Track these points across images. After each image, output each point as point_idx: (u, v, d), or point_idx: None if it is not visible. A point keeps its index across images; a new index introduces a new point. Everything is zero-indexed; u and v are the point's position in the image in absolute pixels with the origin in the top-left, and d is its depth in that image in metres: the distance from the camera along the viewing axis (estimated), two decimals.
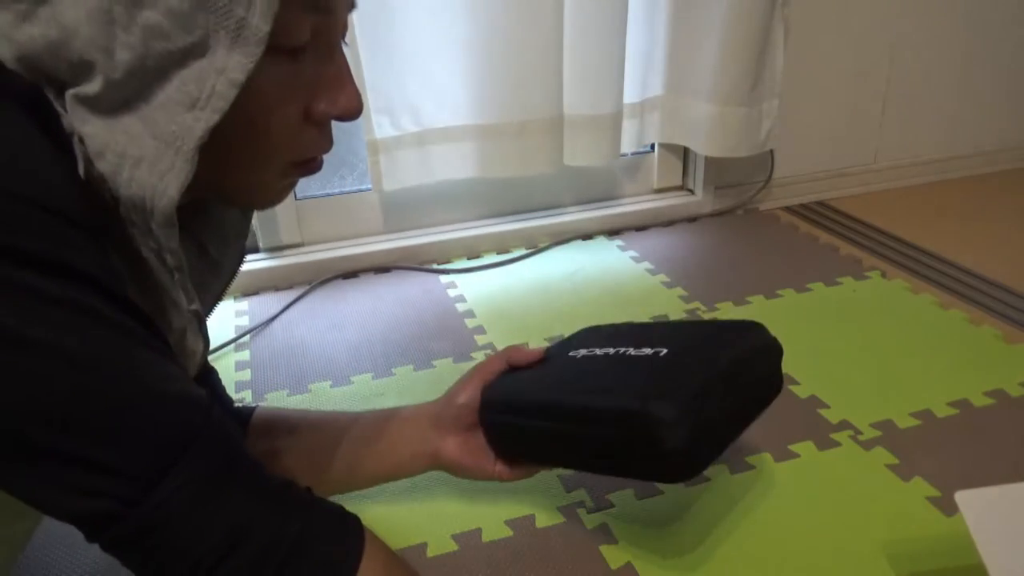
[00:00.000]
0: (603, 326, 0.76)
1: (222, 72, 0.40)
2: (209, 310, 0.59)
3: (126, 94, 0.40)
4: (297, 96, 0.45)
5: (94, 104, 0.40)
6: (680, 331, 0.67)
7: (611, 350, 0.66)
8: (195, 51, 0.39)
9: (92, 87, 0.40)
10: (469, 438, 0.68)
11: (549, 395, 0.63)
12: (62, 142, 0.40)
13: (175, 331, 0.48)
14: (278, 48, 0.42)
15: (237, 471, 0.44)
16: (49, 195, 0.37)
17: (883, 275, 1.23)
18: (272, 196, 0.51)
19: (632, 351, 0.64)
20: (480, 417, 0.68)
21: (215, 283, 0.59)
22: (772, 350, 0.65)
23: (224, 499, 0.43)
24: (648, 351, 0.63)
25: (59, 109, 0.41)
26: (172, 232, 0.42)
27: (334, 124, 0.50)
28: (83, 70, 0.40)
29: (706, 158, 1.45)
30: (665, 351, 0.62)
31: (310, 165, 0.50)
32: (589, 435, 0.59)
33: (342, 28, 0.48)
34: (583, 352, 0.68)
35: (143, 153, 0.40)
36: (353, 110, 0.47)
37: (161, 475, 0.41)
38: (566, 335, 0.77)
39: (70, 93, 0.40)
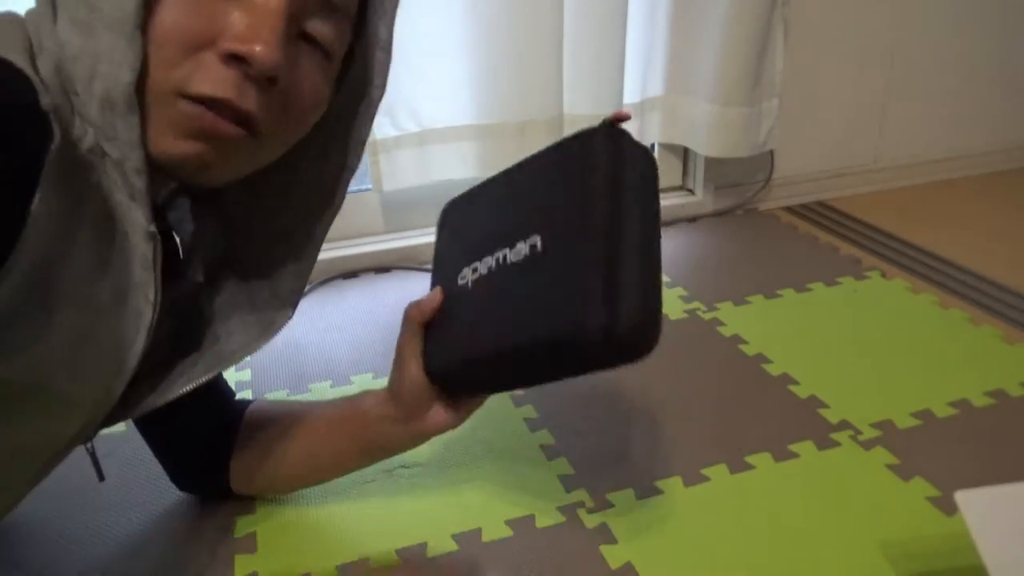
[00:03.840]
0: (460, 203, 0.71)
1: None
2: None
3: None
4: (205, 13, 0.44)
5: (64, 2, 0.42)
6: (534, 187, 0.60)
7: (491, 262, 0.61)
8: None
9: None
10: (438, 401, 0.66)
11: (485, 348, 0.59)
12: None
13: (129, 269, 0.48)
14: None
15: None
16: None
17: (883, 275, 1.23)
18: (164, 141, 0.46)
19: (510, 255, 0.59)
20: (438, 387, 0.65)
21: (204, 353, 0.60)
22: (619, 139, 0.57)
23: None
24: (524, 248, 0.57)
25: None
26: (133, 122, 0.44)
27: None
28: None
29: (706, 158, 1.45)
30: (539, 240, 0.56)
31: (203, 111, 0.45)
32: (545, 362, 0.56)
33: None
34: (468, 275, 0.63)
35: (104, 46, 0.42)
36: (257, 52, 0.44)
37: None
38: None
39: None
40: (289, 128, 0.51)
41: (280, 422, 0.73)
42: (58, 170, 0.42)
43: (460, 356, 0.61)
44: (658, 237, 0.57)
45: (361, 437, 0.69)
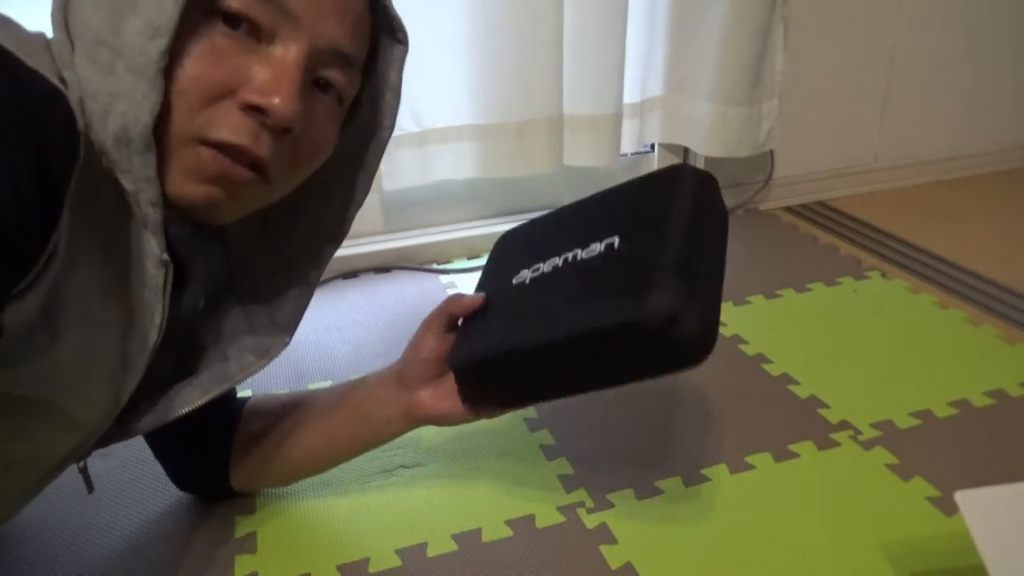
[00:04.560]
0: (520, 229, 0.71)
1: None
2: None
3: (106, 25, 0.44)
4: (228, 65, 0.46)
5: (88, 39, 0.44)
6: (612, 207, 0.61)
7: (558, 261, 0.61)
8: None
9: (93, 24, 0.44)
10: (439, 386, 0.68)
11: (528, 339, 0.57)
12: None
13: (137, 293, 0.49)
14: (211, 6, 0.45)
15: None
16: None
17: (883, 275, 1.23)
18: (180, 183, 0.48)
19: (582, 253, 0.59)
20: (460, 385, 0.65)
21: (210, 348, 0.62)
22: (707, 183, 0.60)
23: None
24: (599, 247, 0.58)
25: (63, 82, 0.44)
26: (150, 160, 0.45)
27: None
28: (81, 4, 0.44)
29: (706, 158, 1.45)
30: (617, 239, 0.57)
31: (219, 159, 0.47)
32: (589, 360, 0.55)
33: (314, 51, 0.48)
34: (527, 275, 0.63)
35: (124, 87, 0.44)
36: (275, 105, 0.46)
37: None
38: None
39: (87, 38, 0.44)
40: (298, 171, 0.54)
41: (277, 413, 0.74)
42: (79, 193, 0.43)
43: (493, 347, 0.61)
44: (723, 263, 0.58)
45: (358, 411, 0.71)
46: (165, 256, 0.49)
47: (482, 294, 0.67)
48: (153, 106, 0.44)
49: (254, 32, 0.47)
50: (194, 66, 0.45)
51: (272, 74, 0.47)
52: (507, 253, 0.70)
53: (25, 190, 0.39)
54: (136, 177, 0.46)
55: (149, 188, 0.46)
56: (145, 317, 0.51)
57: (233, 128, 0.47)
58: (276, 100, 0.46)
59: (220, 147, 0.47)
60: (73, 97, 0.44)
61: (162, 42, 0.43)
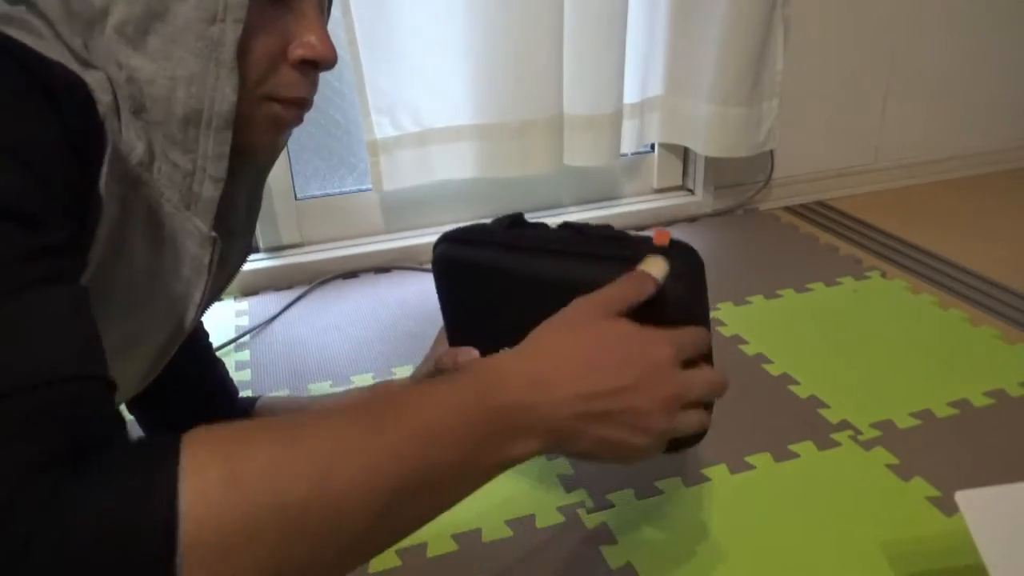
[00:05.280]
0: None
1: None
2: (207, 304, 0.59)
3: (148, 14, 0.44)
4: (275, 32, 0.49)
5: (124, 31, 0.44)
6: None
7: (556, 242, 0.61)
8: None
9: (119, 13, 0.44)
10: None
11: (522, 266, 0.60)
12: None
13: (172, 271, 0.50)
14: None
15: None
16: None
17: (883, 275, 1.23)
18: (258, 136, 0.52)
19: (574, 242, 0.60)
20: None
21: (219, 276, 0.59)
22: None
23: None
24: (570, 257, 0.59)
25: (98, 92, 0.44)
26: (226, 136, 0.47)
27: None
28: None
29: (706, 158, 1.45)
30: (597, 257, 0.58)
31: (290, 111, 0.52)
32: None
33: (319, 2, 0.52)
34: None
35: (191, 71, 0.45)
36: (325, 54, 0.51)
37: None
38: None
39: (109, 27, 0.44)
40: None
41: (292, 410, 0.74)
42: (113, 179, 0.44)
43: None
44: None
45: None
46: (213, 233, 0.50)
47: None
48: (235, 87, 0.46)
49: None
50: (259, 42, 0.48)
51: (308, 26, 0.50)
52: (465, 283, 0.70)
53: (60, 164, 0.40)
54: (201, 155, 0.48)
55: (218, 164, 0.48)
56: (187, 297, 0.52)
57: (295, 85, 0.51)
58: (322, 51, 0.51)
59: (286, 102, 0.51)
60: (98, 86, 0.44)
61: (238, 28, 0.45)
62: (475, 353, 0.62)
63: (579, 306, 0.50)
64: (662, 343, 0.49)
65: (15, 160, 0.37)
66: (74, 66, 0.43)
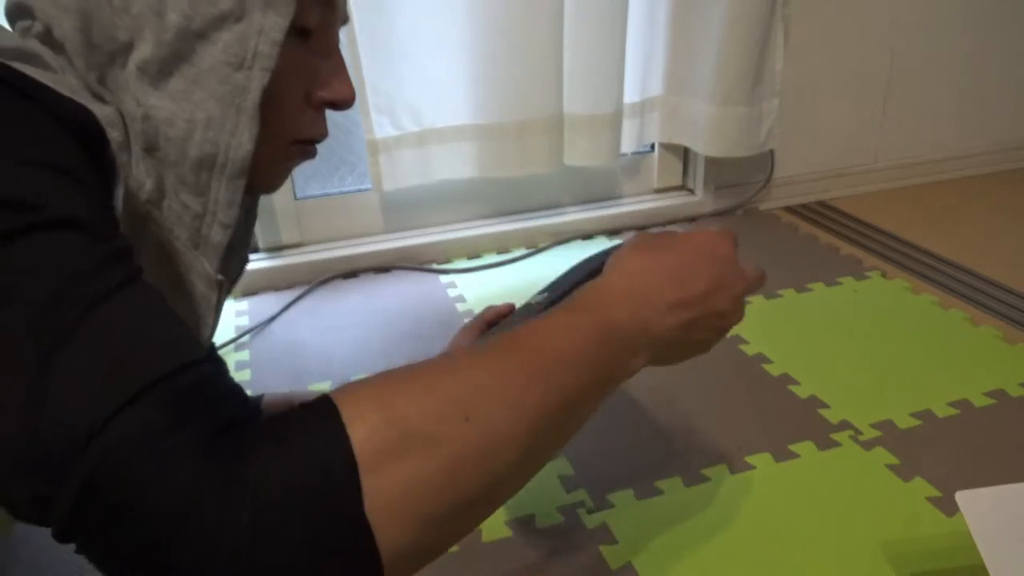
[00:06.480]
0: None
1: (261, 32, 0.44)
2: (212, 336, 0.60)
3: (174, 56, 0.44)
4: (302, 75, 0.49)
5: (147, 69, 0.44)
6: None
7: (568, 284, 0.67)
8: (233, 14, 0.44)
9: (144, 51, 0.43)
10: None
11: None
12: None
13: (183, 307, 0.50)
14: (292, 26, 0.46)
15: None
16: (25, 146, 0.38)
17: (883, 275, 1.23)
18: (272, 177, 0.53)
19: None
20: None
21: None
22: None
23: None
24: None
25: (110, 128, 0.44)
26: (239, 184, 0.47)
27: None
28: (136, 31, 0.43)
29: (706, 158, 1.45)
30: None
31: (307, 148, 0.53)
32: None
33: (339, 28, 0.52)
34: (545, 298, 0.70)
35: (210, 115, 0.45)
36: (347, 97, 0.52)
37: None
38: None
39: (131, 63, 0.44)
40: None
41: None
42: (125, 211, 0.44)
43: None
44: None
45: None
46: (220, 276, 0.50)
47: (512, 302, 0.71)
48: (253, 135, 0.46)
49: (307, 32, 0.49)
50: (285, 88, 0.47)
51: (332, 68, 0.51)
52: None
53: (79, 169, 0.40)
54: (212, 199, 0.47)
55: (228, 210, 0.48)
56: (194, 329, 0.52)
57: (315, 126, 0.52)
58: (345, 94, 0.51)
59: (305, 142, 0.52)
60: (106, 118, 0.43)
61: (264, 76, 0.45)
62: (507, 307, 0.69)
63: (635, 236, 0.54)
64: (721, 240, 0.55)
65: (64, 176, 0.38)
66: (84, 99, 0.43)
